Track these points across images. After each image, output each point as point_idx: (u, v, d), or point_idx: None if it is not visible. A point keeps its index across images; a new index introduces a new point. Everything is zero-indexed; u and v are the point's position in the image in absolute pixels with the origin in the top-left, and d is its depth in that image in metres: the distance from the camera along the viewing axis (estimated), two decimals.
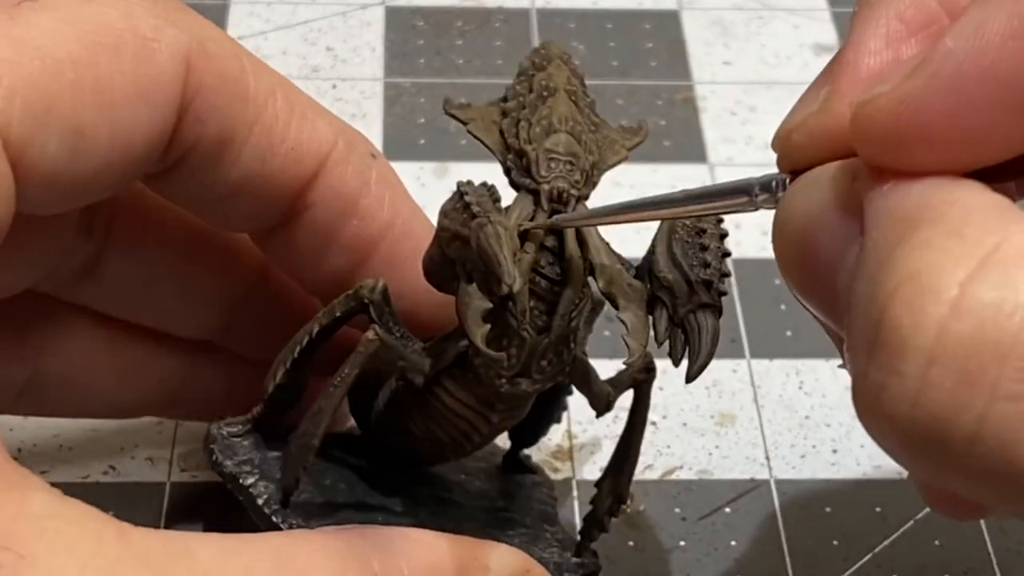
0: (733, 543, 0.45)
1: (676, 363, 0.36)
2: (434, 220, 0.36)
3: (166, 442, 0.46)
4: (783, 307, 0.51)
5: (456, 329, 0.37)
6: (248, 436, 0.40)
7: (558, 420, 0.45)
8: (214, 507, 0.44)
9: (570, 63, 0.37)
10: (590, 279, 0.36)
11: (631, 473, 0.41)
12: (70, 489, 0.30)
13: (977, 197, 0.27)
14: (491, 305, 0.34)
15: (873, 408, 0.27)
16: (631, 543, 0.44)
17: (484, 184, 0.35)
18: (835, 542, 0.45)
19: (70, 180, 0.34)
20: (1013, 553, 0.45)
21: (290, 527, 0.38)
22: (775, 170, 0.32)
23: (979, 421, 0.25)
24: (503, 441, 0.44)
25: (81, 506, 0.30)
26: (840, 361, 0.30)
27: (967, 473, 0.26)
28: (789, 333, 0.51)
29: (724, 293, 0.36)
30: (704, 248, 0.36)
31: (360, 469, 0.42)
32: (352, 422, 0.43)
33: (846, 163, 0.30)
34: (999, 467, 0.26)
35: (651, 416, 0.41)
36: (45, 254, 0.39)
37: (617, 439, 0.41)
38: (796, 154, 0.32)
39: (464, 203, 0.34)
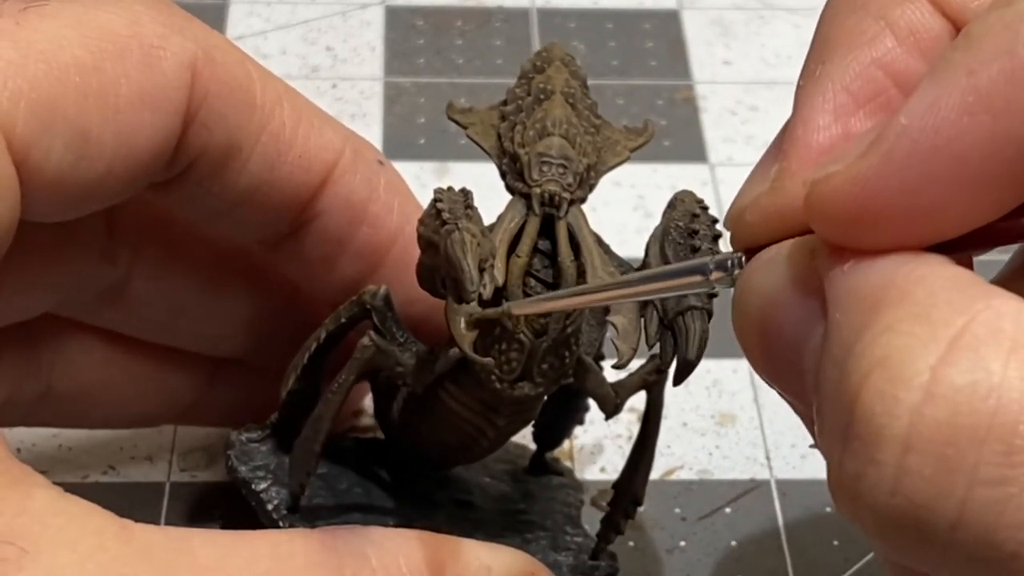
0: (733, 543, 0.45)
1: (665, 366, 0.36)
2: None
3: (166, 442, 0.46)
4: None
5: None
6: (267, 442, 0.41)
7: (581, 422, 0.44)
8: (214, 507, 0.45)
9: (571, 65, 0.37)
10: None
11: (647, 474, 0.40)
12: (70, 489, 0.30)
13: (940, 273, 0.27)
14: (478, 310, 0.34)
15: (851, 497, 0.27)
16: (631, 543, 0.44)
17: (462, 190, 0.35)
18: (835, 542, 0.45)
19: (74, 184, 0.34)
20: None
21: None
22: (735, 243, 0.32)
23: (960, 507, 0.25)
24: (529, 441, 0.44)
25: (83, 503, 0.30)
26: (812, 441, 0.29)
27: (949, 559, 0.26)
28: None
29: (714, 295, 0.36)
30: (695, 249, 0.35)
31: (381, 474, 0.42)
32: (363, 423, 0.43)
33: (802, 241, 0.30)
34: (982, 552, 0.25)
35: None
36: (66, 278, 0.39)
37: (618, 439, 0.41)
38: (750, 233, 0.31)
39: (436, 210, 0.34)
